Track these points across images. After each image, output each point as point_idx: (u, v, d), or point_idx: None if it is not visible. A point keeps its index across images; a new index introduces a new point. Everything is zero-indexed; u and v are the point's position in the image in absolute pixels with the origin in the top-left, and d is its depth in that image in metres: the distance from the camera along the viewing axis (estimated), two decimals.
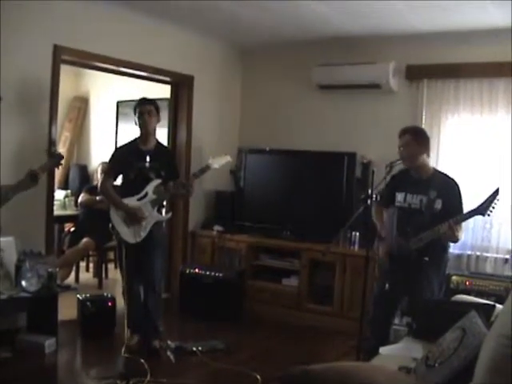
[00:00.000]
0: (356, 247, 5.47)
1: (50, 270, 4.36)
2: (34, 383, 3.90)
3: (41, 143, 4.62)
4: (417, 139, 4.11)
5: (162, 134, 5.90)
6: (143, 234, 4.45)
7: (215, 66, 6.39)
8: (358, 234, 5.42)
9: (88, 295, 4.99)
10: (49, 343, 4.33)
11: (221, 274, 5.53)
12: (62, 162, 4.51)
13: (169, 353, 4.43)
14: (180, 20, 5.50)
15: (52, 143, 4.71)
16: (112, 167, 4.65)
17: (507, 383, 1.92)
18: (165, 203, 4.93)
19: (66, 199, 7.22)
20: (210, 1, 4.80)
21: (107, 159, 4.79)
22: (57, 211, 5.99)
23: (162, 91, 6.32)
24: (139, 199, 4.46)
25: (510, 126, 5.06)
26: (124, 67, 5.38)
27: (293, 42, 6.07)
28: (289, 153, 6.10)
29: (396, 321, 4.69)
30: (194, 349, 4.51)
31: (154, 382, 3.89)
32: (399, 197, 4.17)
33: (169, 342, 4.55)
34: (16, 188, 4.00)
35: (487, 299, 3.97)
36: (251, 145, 6.38)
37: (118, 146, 5.22)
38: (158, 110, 4.57)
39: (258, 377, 4.03)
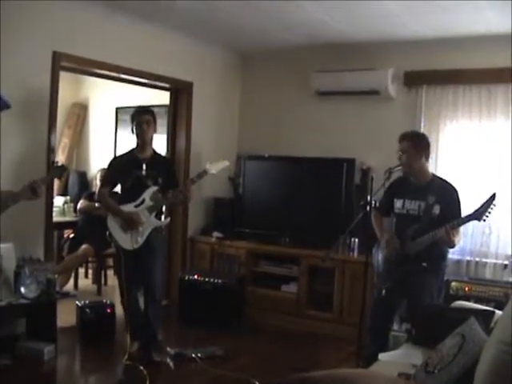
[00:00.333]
0: (355, 253, 5.46)
1: (49, 276, 4.36)
2: None
3: (40, 150, 4.63)
4: (416, 145, 4.11)
5: (160, 141, 5.94)
6: (140, 240, 4.45)
7: (214, 73, 6.40)
8: (357, 240, 5.42)
9: (87, 302, 4.99)
10: (48, 350, 4.32)
11: (220, 281, 5.52)
12: (65, 174, 4.51)
13: (168, 359, 4.42)
14: (179, 26, 5.52)
15: (51, 150, 4.71)
16: (109, 176, 4.69)
17: None
18: (164, 209, 4.93)
19: (65, 205, 7.21)
20: (209, 7, 4.82)
21: (106, 166, 4.80)
22: (56, 217, 5.99)
23: (161, 97, 6.34)
24: (136, 206, 4.47)
25: (508, 132, 5.07)
26: (123, 74, 5.39)
27: (292, 49, 6.09)
28: (288, 159, 6.11)
29: (395, 327, 4.69)
30: (194, 355, 4.50)
31: None
32: (398, 203, 4.18)
33: (168, 349, 4.54)
34: (16, 197, 3.97)
35: (486, 305, 3.99)
36: (250, 151, 6.39)
37: (116, 155, 5.24)
38: (155, 119, 4.59)
39: (257, 383, 4.02)
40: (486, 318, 2.99)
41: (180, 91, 6.11)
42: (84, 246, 6.19)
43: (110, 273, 6.89)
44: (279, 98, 6.43)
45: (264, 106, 6.56)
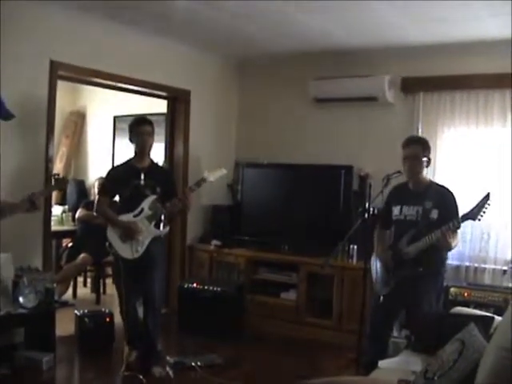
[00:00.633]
0: (354, 260, 5.45)
1: (47, 285, 4.35)
2: None
3: (38, 159, 4.64)
4: (424, 148, 4.10)
5: (158, 149, 5.94)
6: (141, 250, 4.43)
7: (212, 80, 6.42)
8: (356, 247, 5.42)
9: (86, 311, 4.98)
10: (47, 359, 4.30)
11: (219, 289, 5.50)
12: (66, 186, 4.50)
13: (168, 368, 4.41)
14: (177, 34, 5.53)
15: (49, 159, 4.71)
16: (107, 187, 4.66)
17: None
18: (163, 218, 4.91)
19: (64, 214, 7.21)
20: (207, 16, 4.83)
21: (104, 176, 4.79)
22: (54, 226, 5.97)
23: (158, 106, 6.35)
24: (135, 215, 4.45)
25: (505, 138, 5.07)
26: (121, 83, 5.39)
27: (289, 56, 6.10)
28: (286, 166, 6.11)
29: (395, 333, 4.68)
30: (193, 364, 4.48)
31: None
32: (395, 210, 4.18)
33: (168, 358, 4.53)
34: (14, 208, 3.95)
35: (486, 311, 3.98)
36: (248, 158, 6.39)
37: (114, 165, 5.24)
38: (153, 129, 4.59)
39: None
40: (485, 323, 2.99)
41: (178, 99, 6.12)
42: (82, 255, 6.18)
43: (109, 281, 6.86)
44: (277, 105, 6.44)
45: (262, 113, 6.57)
